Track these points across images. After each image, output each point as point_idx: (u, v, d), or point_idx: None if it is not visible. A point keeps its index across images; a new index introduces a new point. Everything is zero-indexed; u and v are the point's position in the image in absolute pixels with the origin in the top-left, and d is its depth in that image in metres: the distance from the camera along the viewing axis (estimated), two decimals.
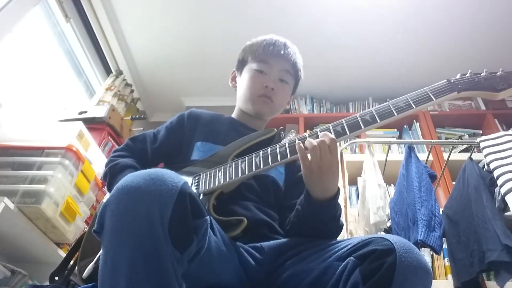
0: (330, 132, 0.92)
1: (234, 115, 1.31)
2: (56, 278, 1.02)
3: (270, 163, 0.95)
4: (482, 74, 0.94)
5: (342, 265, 0.74)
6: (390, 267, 0.66)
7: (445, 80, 0.94)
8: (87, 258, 0.91)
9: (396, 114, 0.90)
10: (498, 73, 0.94)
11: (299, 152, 0.88)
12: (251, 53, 1.25)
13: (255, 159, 0.98)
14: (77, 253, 1.00)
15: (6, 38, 1.98)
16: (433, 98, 0.90)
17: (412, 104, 0.90)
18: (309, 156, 0.88)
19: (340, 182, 1.85)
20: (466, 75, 0.94)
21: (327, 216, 0.93)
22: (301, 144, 0.89)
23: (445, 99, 0.92)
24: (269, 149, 0.98)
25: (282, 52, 1.22)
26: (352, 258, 0.73)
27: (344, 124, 0.93)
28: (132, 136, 1.24)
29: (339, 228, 0.97)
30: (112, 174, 1.07)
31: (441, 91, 0.92)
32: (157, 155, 1.19)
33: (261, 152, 0.98)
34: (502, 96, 0.92)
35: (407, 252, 0.68)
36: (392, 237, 0.72)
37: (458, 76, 0.95)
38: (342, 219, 1.67)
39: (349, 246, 0.76)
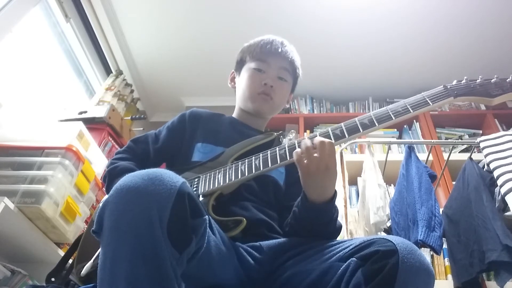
0: (329, 135, 0.94)
1: (234, 114, 1.32)
2: (53, 279, 1.01)
3: (269, 165, 0.96)
4: (478, 81, 0.98)
5: (343, 266, 0.74)
6: (393, 268, 0.67)
7: (442, 86, 0.98)
8: (85, 261, 0.91)
9: (394, 118, 0.93)
10: (493, 79, 0.98)
11: (295, 155, 0.89)
12: (249, 53, 1.27)
13: (254, 161, 0.99)
14: (75, 254, 1.00)
15: (6, 38, 1.98)
16: (430, 103, 0.94)
17: (410, 109, 0.94)
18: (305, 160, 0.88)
19: (340, 182, 1.85)
20: (462, 82, 0.99)
21: (324, 218, 0.93)
22: (298, 149, 0.90)
23: (442, 104, 0.96)
24: (268, 151, 0.99)
25: (279, 50, 1.23)
26: (354, 258, 0.73)
27: (343, 127, 0.95)
28: (134, 138, 1.24)
29: (336, 230, 0.98)
30: (111, 177, 1.07)
31: (438, 96, 0.95)
32: (159, 155, 1.19)
33: (260, 155, 1.00)
34: (497, 102, 0.97)
35: (410, 253, 0.69)
36: (394, 238, 0.72)
37: (454, 82, 0.99)
38: (342, 219, 1.69)
39: (351, 247, 0.76)
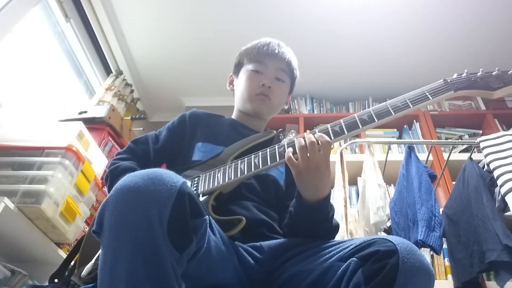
0: (328, 132, 0.93)
1: (233, 116, 1.33)
2: (56, 280, 1.02)
3: (269, 163, 0.96)
4: (478, 74, 0.96)
5: (344, 266, 0.74)
6: (393, 268, 0.67)
7: (442, 80, 0.96)
8: (86, 263, 0.91)
9: (393, 113, 0.92)
10: (494, 72, 0.96)
11: (286, 154, 0.90)
12: (246, 55, 1.29)
13: (254, 160, 0.99)
14: (77, 255, 1.01)
15: (6, 38, 1.98)
16: (430, 97, 0.92)
17: (409, 104, 0.92)
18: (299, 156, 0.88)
19: (340, 182, 1.85)
20: (463, 75, 0.96)
21: (319, 217, 0.93)
22: (289, 148, 0.90)
23: (442, 98, 0.94)
24: (268, 149, 0.99)
25: (276, 51, 1.25)
26: (354, 258, 0.73)
27: (342, 124, 0.94)
28: (135, 138, 1.25)
29: (333, 229, 0.98)
30: (113, 176, 1.08)
31: (438, 90, 0.93)
32: (159, 155, 1.20)
33: (260, 153, 1.00)
34: (498, 95, 0.94)
35: (410, 253, 0.69)
36: (394, 238, 0.72)
37: (454, 76, 0.97)
38: (342, 219, 1.69)
39: (351, 247, 0.76)
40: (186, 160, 1.15)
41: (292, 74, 1.30)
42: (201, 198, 0.99)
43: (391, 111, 0.92)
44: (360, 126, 0.92)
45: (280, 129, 1.20)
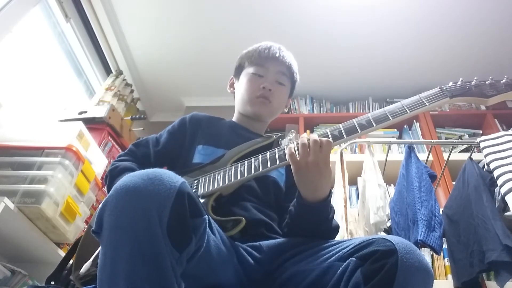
0: (328, 136, 0.95)
1: (234, 119, 1.34)
2: (52, 283, 1.02)
3: (268, 166, 0.97)
4: (473, 82, 1.01)
5: (343, 266, 0.74)
6: (392, 268, 0.67)
7: (438, 88, 1.00)
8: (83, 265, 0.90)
9: (391, 119, 0.96)
10: (487, 81, 1.01)
11: (288, 150, 0.91)
12: (247, 58, 1.31)
13: (254, 163, 1.00)
14: (74, 256, 1.00)
15: (6, 38, 1.98)
16: (427, 104, 0.97)
17: (407, 110, 0.96)
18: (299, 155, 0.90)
19: (340, 182, 1.85)
20: (458, 83, 1.02)
21: (318, 218, 0.94)
22: (291, 145, 0.92)
23: (438, 104, 0.99)
24: (268, 152, 1.00)
25: (277, 55, 1.27)
26: (353, 258, 0.73)
27: (341, 128, 0.97)
28: (136, 141, 1.26)
29: (333, 229, 0.98)
30: (111, 177, 1.09)
31: (434, 97, 0.98)
32: (160, 158, 1.20)
33: (260, 156, 1.01)
34: (492, 102, 1.00)
35: (409, 253, 0.69)
36: (393, 238, 0.72)
37: (450, 84, 1.01)
38: (342, 219, 1.69)
39: (350, 247, 0.76)
40: (187, 163, 1.15)
41: (292, 77, 1.32)
42: (201, 200, 0.99)
43: (389, 116, 0.95)
44: (359, 131, 0.95)
45: (280, 134, 1.21)
